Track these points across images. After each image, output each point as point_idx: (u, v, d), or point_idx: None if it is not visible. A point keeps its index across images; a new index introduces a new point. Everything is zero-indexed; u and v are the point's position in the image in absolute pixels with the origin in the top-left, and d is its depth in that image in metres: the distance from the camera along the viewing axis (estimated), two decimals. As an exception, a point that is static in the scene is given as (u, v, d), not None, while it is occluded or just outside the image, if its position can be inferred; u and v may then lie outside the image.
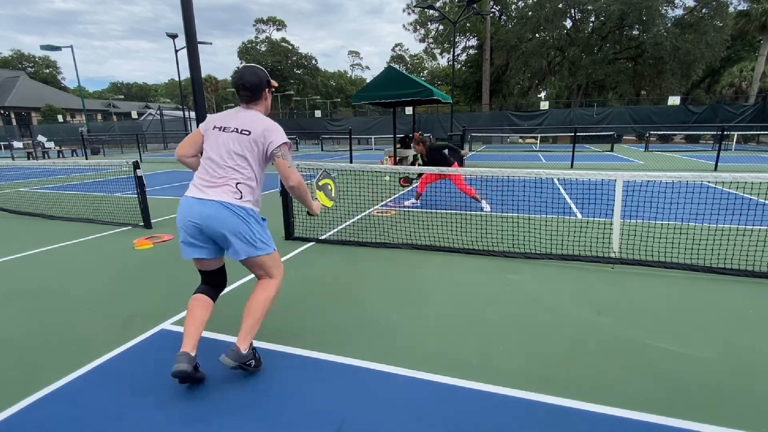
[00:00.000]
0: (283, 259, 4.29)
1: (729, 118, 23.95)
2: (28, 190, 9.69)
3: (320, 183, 2.81)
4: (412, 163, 13.25)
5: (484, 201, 6.49)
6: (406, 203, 6.97)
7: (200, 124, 2.36)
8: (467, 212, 6.20)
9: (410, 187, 8.66)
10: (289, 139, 2.25)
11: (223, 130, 2.20)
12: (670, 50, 28.83)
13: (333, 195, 2.89)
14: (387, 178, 9.88)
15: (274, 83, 2.35)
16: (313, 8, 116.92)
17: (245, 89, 2.21)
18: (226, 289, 3.43)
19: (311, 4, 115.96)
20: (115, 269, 4.08)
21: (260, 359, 2.29)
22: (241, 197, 2.14)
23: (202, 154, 2.26)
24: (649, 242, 4.35)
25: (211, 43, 31.00)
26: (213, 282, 2.33)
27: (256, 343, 2.59)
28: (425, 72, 54.36)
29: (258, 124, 2.18)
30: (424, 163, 6.83)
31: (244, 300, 2.27)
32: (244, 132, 2.17)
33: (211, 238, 2.16)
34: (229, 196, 2.11)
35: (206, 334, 2.71)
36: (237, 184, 2.14)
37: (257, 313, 2.20)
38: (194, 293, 2.28)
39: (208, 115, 2.39)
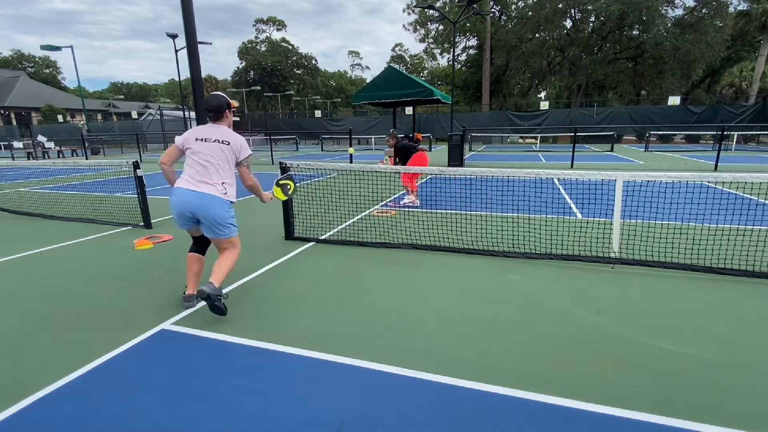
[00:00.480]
0: (283, 259, 4.31)
1: (729, 118, 23.97)
2: (28, 190, 9.70)
3: (281, 182, 3.64)
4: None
5: (411, 197, 6.90)
6: (405, 201, 7.00)
7: (177, 139, 2.97)
8: (467, 212, 6.21)
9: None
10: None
11: (205, 141, 2.89)
12: (670, 50, 28.85)
13: (289, 193, 3.71)
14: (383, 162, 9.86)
15: (234, 104, 3.10)
16: (312, 8, 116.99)
17: (210, 111, 2.97)
18: (227, 289, 3.45)
19: (311, 4, 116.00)
20: (115, 269, 4.08)
21: (226, 306, 2.82)
22: (226, 192, 2.90)
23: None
24: (649, 242, 4.35)
25: (211, 43, 31.01)
26: (200, 242, 3.14)
27: (256, 343, 2.60)
28: (425, 72, 54.37)
29: (233, 137, 2.96)
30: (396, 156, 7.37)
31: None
32: (225, 142, 2.91)
33: (197, 217, 2.87)
34: (218, 191, 2.86)
35: (211, 335, 2.71)
36: (222, 183, 2.89)
37: (225, 269, 2.90)
38: (188, 252, 3.13)
39: (185, 132, 3.01)
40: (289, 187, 3.66)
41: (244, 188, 3.22)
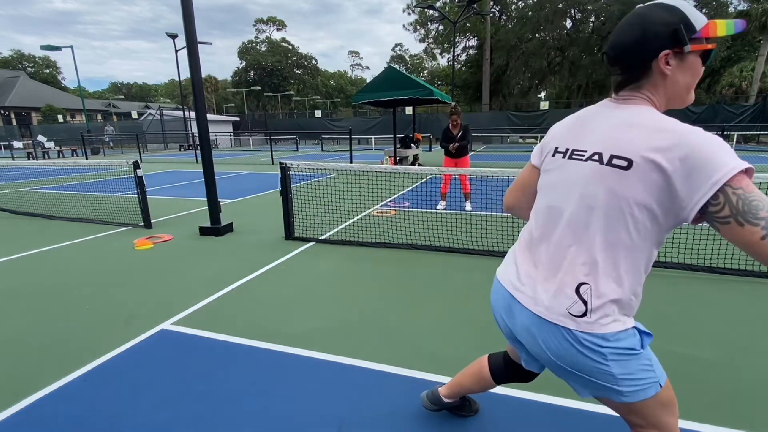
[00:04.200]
0: (283, 259, 4.29)
1: (729, 118, 23.96)
2: (28, 190, 9.69)
3: None
4: (412, 163, 13.26)
5: (469, 201, 6.53)
6: (438, 207, 6.59)
7: (535, 148, 1.32)
8: (467, 212, 6.21)
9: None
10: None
11: (571, 157, 1.12)
12: (670, 50, 28.83)
13: None
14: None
15: (716, 28, 1.09)
16: (311, 8, 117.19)
17: (611, 61, 1.09)
18: (228, 288, 3.45)
19: (309, 5, 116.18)
20: (115, 269, 4.08)
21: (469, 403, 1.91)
22: (587, 311, 1.05)
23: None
24: (649, 242, 4.34)
25: (211, 43, 30.98)
26: (512, 362, 1.56)
27: (256, 343, 2.59)
28: (425, 72, 54.41)
29: (648, 139, 0.96)
30: (450, 138, 6.23)
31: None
32: (616, 162, 1.00)
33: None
34: (564, 305, 1.08)
35: (211, 335, 2.71)
36: (580, 284, 1.06)
37: None
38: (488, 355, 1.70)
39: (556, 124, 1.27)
40: None
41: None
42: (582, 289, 1.06)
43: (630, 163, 0.98)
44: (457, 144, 6.18)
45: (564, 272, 1.10)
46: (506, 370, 1.58)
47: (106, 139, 28.24)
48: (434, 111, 31.73)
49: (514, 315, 1.24)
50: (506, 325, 1.31)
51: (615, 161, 1.00)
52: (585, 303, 1.06)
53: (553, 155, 1.19)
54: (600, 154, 1.04)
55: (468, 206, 6.44)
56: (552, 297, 1.11)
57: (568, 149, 1.15)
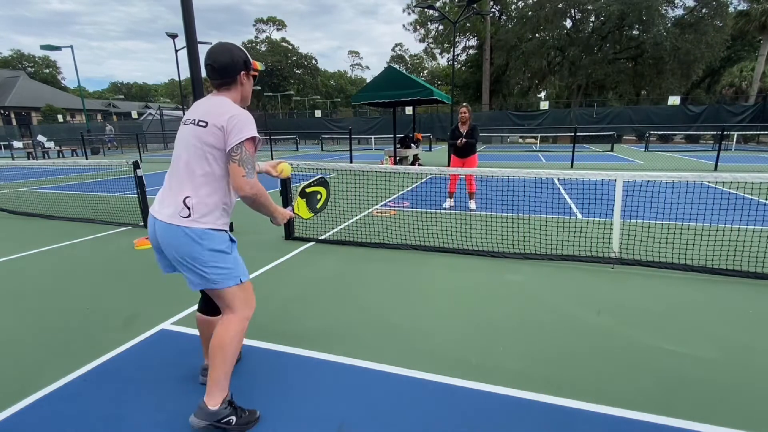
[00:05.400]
0: (283, 259, 4.29)
1: (729, 119, 23.95)
2: (27, 190, 9.69)
3: (308, 190, 2.25)
4: (412, 163, 13.25)
5: (473, 201, 6.51)
6: (445, 206, 6.55)
7: None
8: (467, 212, 6.21)
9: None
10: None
11: (185, 123, 1.80)
12: (670, 50, 28.84)
13: (318, 206, 2.32)
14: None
15: (257, 65, 1.92)
16: (308, 9, 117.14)
17: (213, 71, 1.78)
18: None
19: (306, 5, 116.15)
20: (115, 269, 4.08)
21: (249, 413, 1.88)
22: (189, 215, 1.70)
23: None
24: (649, 242, 4.34)
25: (211, 43, 30.94)
26: (210, 301, 2.00)
27: (256, 343, 2.59)
28: (425, 72, 54.37)
29: (219, 114, 1.70)
30: (458, 135, 6.26)
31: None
32: (200, 123, 1.72)
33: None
34: (175, 213, 1.71)
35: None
36: (186, 198, 1.71)
37: (218, 368, 1.77)
38: (197, 309, 2.15)
39: None
40: (319, 197, 2.33)
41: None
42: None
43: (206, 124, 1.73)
44: (464, 140, 6.19)
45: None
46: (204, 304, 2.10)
47: (107, 141, 28.29)
48: (434, 111, 31.71)
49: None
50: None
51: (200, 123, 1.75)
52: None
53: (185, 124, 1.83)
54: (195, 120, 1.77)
55: (472, 205, 6.44)
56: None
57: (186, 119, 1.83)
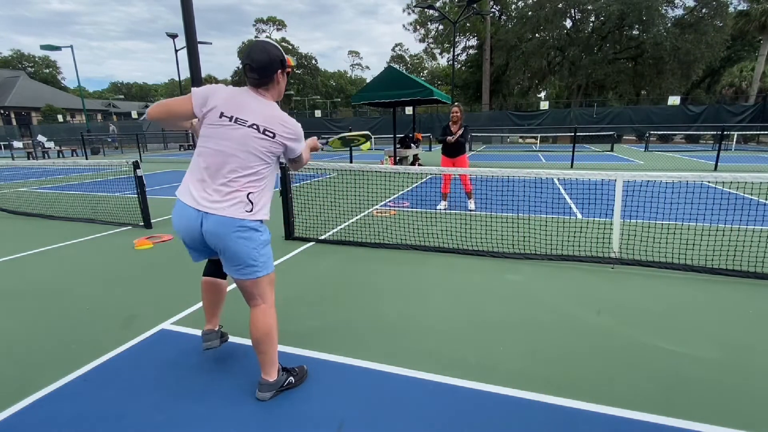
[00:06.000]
0: (283, 259, 4.29)
1: (729, 119, 23.94)
2: (27, 190, 9.69)
3: (348, 136, 2.64)
4: (412, 163, 13.25)
5: (471, 201, 6.48)
6: (438, 207, 6.56)
7: (195, 92, 1.89)
8: (467, 212, 6.21)
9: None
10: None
11: (236, 122, 1.83)
12: (670, 50, 28.84)
13: (353, 145, 2.73)
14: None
15: (291, 61, 1.98)
16: (307, 9, 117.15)
17: (252, 70, 1.85)
18: (228, 288, 3.44)
19: (306, 5, 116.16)
20: (115, 269, 4.08)
21: (300, 369, 2.20)
22: (252, 209, 1.86)
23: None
24: (649, 242, 4.35)
25: (210, 43, 30.91)
26: (219, 265, 2.16)
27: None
28: (425, 72, 54.37)
29: (283, 125, 1.89)
30: (449, 133, 6.28)
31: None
32: (267, 133, 1.85)
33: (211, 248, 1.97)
34: (240, 209, 1.83)
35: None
36: (249, 194, 1.85)
37: (265, 345, 2.00)
38: (203, 274, 2.27)
39: (211, 85, 1.94)
40: (356, 142, 2.70)
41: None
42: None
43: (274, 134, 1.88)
44: (453, 138, 6.16)
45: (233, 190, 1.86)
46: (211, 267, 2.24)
47: (110, 140, 28.30)
48: (434, 111, 31.71)
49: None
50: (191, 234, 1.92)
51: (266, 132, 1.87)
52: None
53: (220, 117, 1.85)
54: (256, 125, 1.86)
55: (471, 205, 6.42)
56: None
57: (232, 116, 1.85)
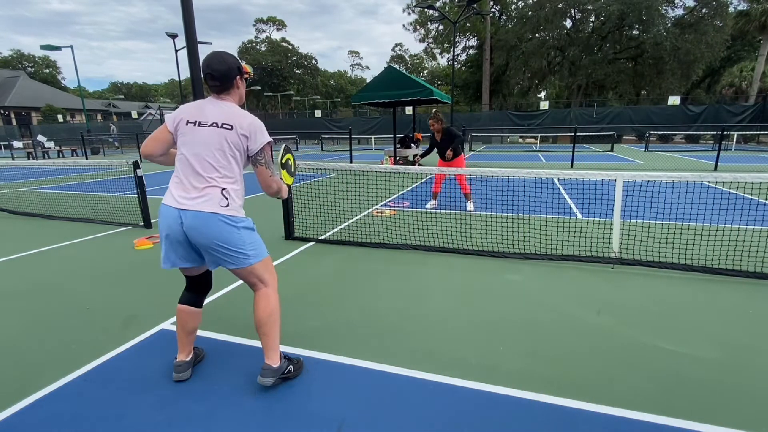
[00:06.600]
0: (283, 259, 4.29)
1: (729, 119, 23.95)
2: (27, 190, 9.69)
3: (282, 161, 2.51)
4: (412, 163, 13.25)
5: (470, 202, 6.46)
6: (427, 206, 6.61)
7: (167, 118, 2.08)
8: (467, 212, 6.20)
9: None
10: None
11: (199, 125, 1.97)
12: (670, 50, 28.84)
13: (293, 170, 2.64)
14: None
15: (248, 69, 2.13)
16: (307, 9, 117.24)
17: (213, 78, 1.99)
18: (228, 288, 3.45)
19: (306, 5, 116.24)
20: (115, 269, 4.08)
21: (298, 361, 2.29)
22: (228, 204, 1.97)
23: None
24: (649, 242, 4.34)
25: (210, 43, 30.89)
26: (197, 287, 2.27)
27: (256, 343, 2.58)
28: (425, 72, 54.37)
29: (240, 118, 1.99)
30: (435, 145, 6.41)
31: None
32: (225, 126, 1.97)
33: (195, 249, 2.07)
34: (215, 204, 1.94)
35: (211, 334, 2.71)
36: (223, 189, 1.97)
37: (272, 330, 2.10)
38: (179, 302, 2.26)
39: (179, 107, 2.13)
40: (290, 163, 2.69)
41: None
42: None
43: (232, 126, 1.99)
44: (450, 152, 6.19)
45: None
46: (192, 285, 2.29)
47: (111, 140, 28.30)
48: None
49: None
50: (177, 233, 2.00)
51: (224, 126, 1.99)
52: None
53: (186, 124, 2.00)
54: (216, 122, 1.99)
55: (470, 206, 6.41)
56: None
57: (196, 120, 2.00)
